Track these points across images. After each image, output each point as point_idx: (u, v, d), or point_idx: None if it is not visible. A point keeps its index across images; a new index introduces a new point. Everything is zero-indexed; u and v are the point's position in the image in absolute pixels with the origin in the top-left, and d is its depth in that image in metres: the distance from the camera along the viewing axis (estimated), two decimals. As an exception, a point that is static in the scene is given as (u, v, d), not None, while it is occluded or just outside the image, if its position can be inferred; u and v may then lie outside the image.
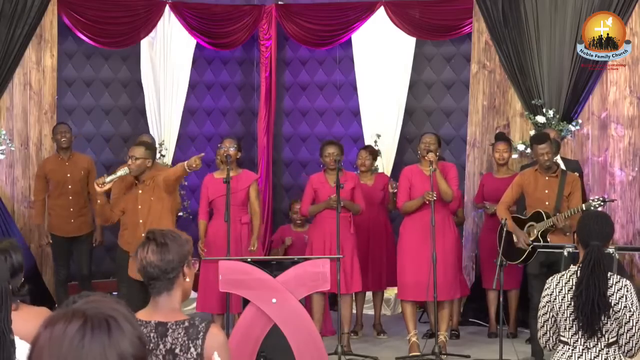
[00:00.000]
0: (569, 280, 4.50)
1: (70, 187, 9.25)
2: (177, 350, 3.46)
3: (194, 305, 9.08)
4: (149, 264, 3.47)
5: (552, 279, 4.58)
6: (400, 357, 8.48)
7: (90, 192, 9.18)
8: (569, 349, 4.51)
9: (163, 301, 3.51)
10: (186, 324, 3.49)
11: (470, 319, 9.88)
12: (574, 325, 4.47)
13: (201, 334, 3.47)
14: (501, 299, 8.11)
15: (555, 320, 4.55)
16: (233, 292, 7.34)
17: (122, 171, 7.48)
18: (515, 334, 9.29)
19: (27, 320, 3.46)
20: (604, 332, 4.46)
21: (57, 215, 9.30)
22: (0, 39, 9.48)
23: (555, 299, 4.51)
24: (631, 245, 9.42)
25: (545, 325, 4.58)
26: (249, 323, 6.87)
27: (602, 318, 4.43)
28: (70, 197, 9.25)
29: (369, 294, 9.73)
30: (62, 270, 9.35)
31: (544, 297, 4.57)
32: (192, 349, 3.45)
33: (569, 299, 4.46)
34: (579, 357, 4.48)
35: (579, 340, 4.49)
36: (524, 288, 8.89)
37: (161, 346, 3.47)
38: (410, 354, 8.47)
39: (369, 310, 9.90)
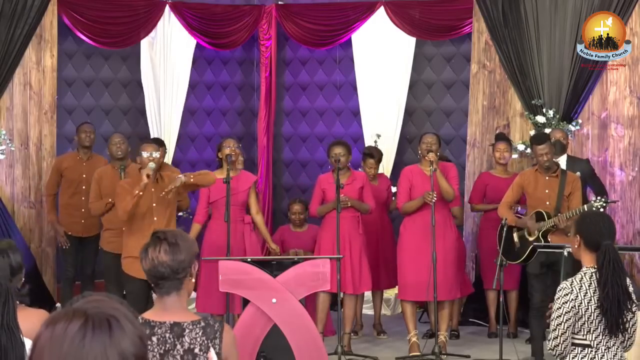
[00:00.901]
0: (590, 283, 4.47)
1: (84, 187, 9.24)
2: (196, 350, 3.47)
3: (194, 305, 9.07)
4: (161, 263, 3.47)
5: (571, 284, 4.50)
6: (400, 357, 8.48)
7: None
8: (591, 351, 4.49)
9: (172, 301, 3.52)
10: (202, 323, 3.50)
11: (470, 319, 9.87)
12: (599, 327, 4.46)
13: (218, 333, 3.48)
14: (501, 299, 8.11)
15: (574, 325, 4.51)
16: (233, 292, 7.34)
17: (151, 164, 7.58)
18: (515, 334, 9.28)
19: (24, 321, 3.46)
20: (626, 328, 4.49)
21: (68, 214, 9.30)
22: (0, 39, 9.48)
23: (580, 302, 4.45)
24: (631, 245, 9.42)
25: (567, 331, 4.49)
26: (249, 323, 6.87)
27: (626, 313, 4.45)
28: (84, 198, 9.24)
29: (368, 294, 9.72)
30: (70, 269, 9.34)
31: (566, 302, 4.48)
32: (212, 349, 3.46)
33: (595, 301, 4.45)
34: (601, 358, 4.48)
35: (602, 341, 4.49)
36: (524, 288, 8.88)
37: (178, 346, 3.48)
38: (410, 354, 8.47)
39: (369, 310, 9.89)
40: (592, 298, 4.46)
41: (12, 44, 9.54)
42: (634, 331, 4.54)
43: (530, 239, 8.20)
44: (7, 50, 9.52)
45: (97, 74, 10.94)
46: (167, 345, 3.47)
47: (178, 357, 3.47)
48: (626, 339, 4.54)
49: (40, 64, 9.79)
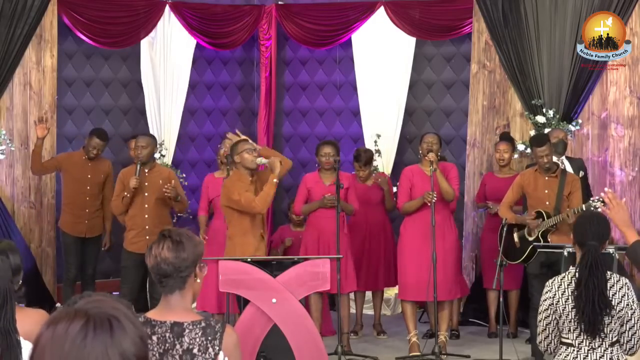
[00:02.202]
0: (570, 282, 4.50)
1: (88, 187, 9.27)
2: (195, 351, 3.47)
3: (194, 305, 9.08)
4: (164, 260, 3.48)
5: (552, 282, 4.58)
6: (400, 357, 8.48)
7: (104, 196, 9.29)
8: (573, 350, 4.51)
9: (176, 300, 3.52)
10: (203, 324, 3.50)
11: (470, 319, 9.87)
12: (579, 327, 4.47)
13: (218, 334, 3.48)
14: (501, 299, 8.11)
15: (557, 323, 4.54)
16: (233, 292, 7.34)
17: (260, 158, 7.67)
18: (515, 334, 9.28)
19: (22, 322, 3.45)
20: (607, 332, 4.46)
21: (71, 213, 9.31)
22: (0, 39, 9.48)
23: (558, 301, 4.50)
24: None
25: (547, 329, 4.57)
26: (249, 323, 6.87)
27: (604, 317, 4.43)
28: (87, 198, 9.27)
29: (368, 294, 9.72)
30: (72, 269, 9.34)
31: (545, 299, 4.56)
32: (210, 349, 3.47)
33: (572, 301, 4.46)
34: (584, 358, 4.48)
35: (584, 341, 4.49)
36: (524, 288, 8.89)
37: (177, 346, 3.48)
38: (410, 354, 8.47)
39: (369, 310, 9.89)
40: (570, 297, 4.48)
41: (12, 44, 9.54)
42: (632, 334, 4.51)
43: (530, 239, 8.20)
44: (7, 50, 9.52)
45: (97, 74, 10.94)
46: (167, 345, 3.48)
47: (177, 356, 3.47)
48: (624, 342, 4.52)
49: (40, 64, 9.79)
